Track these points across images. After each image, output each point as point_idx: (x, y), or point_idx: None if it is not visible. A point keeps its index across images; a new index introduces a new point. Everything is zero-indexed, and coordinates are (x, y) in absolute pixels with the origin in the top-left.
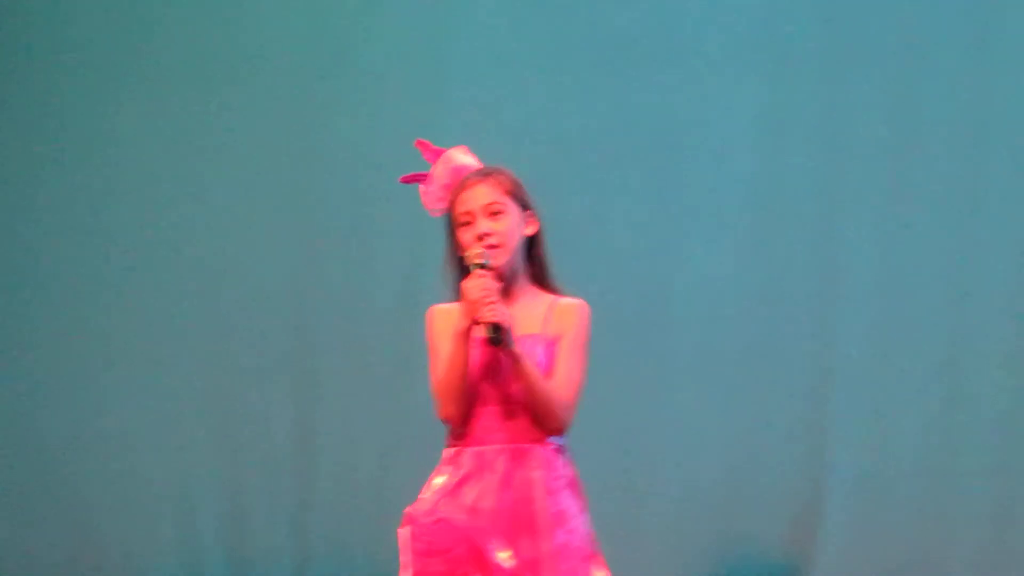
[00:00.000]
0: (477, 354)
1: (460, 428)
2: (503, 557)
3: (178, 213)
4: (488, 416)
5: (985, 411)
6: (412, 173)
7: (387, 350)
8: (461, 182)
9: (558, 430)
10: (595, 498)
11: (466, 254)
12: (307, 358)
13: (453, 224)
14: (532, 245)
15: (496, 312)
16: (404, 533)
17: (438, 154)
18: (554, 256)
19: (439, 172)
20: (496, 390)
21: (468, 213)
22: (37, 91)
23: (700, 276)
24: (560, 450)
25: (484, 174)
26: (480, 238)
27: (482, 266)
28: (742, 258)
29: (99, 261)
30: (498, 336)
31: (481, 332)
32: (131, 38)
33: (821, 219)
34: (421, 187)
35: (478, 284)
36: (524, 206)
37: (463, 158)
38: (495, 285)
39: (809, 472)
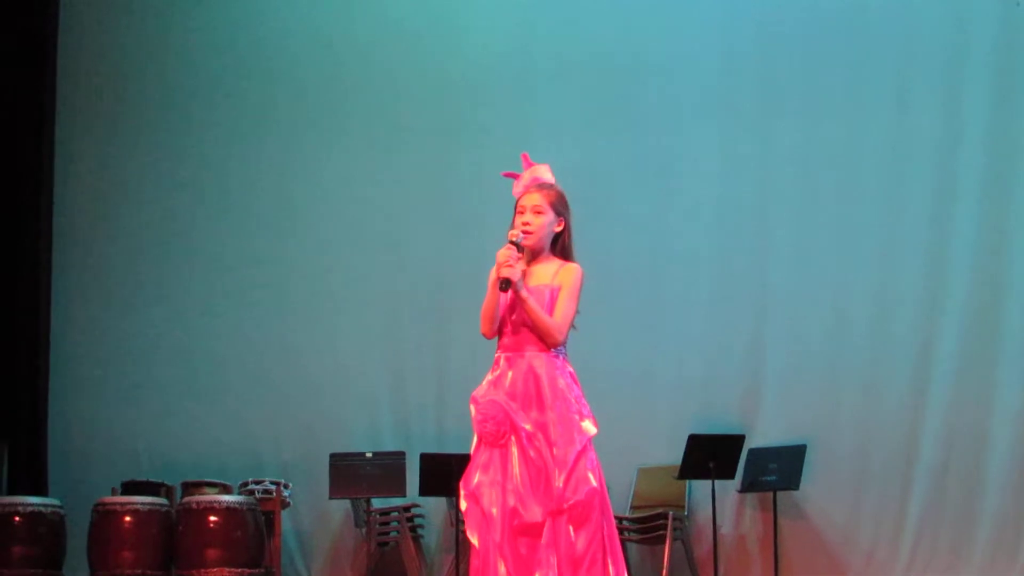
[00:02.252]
0: (505, 296)
1: (499, 341)
2: (526, 423)
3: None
4: (514, 333)
5: (857, 332)
6: (511, 171)
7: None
8: (531, 185)
9: (553, 344)
10: (625, 381)
11: (509, 231)
12: (443, 308)
13: (515, 210)
14: (559, 238)
15: (510, 271)
16: (471, 408)
17: (531, 165)
18: (599, 238)
19: (526, 175)
20: (519, 318)
21: (522, 207)
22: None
23: (680, 249)
24: (558, 355)
25: (543, 186)
26: (523, 224)
27: (513, 242)
28: (704, 237)
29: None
30: (506, 285)
31: (499, 282)
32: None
33: (757, 213)
34: (514, 181)
35: (504, 253)
36: (558, 213)
37: (544, 172)
38: (516, 254)
39: (753, 368)
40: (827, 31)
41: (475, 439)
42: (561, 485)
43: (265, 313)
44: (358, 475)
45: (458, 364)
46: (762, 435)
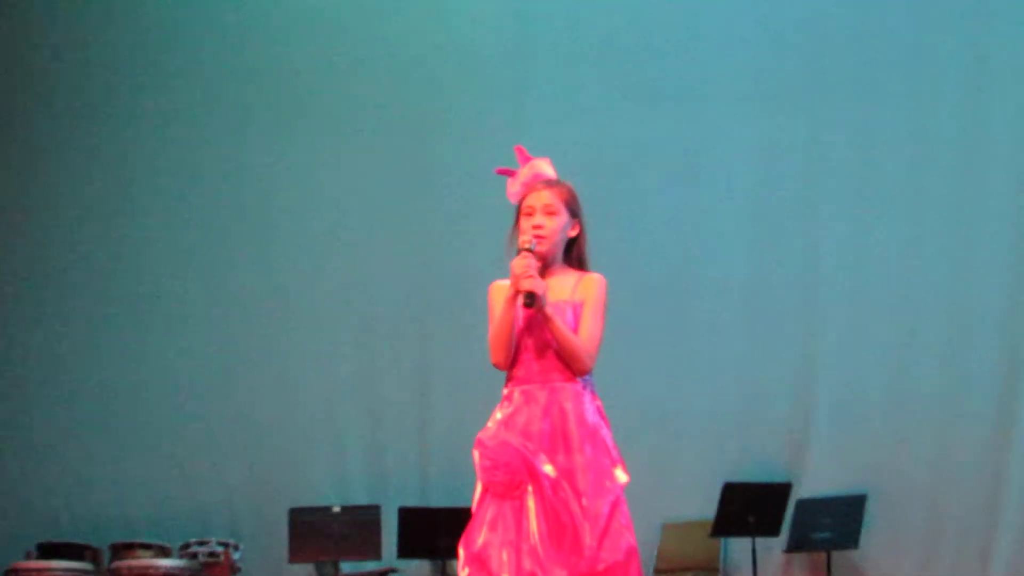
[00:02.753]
0: (522, 315)
1: (511, 372)
2: (548, 469)
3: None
4: (529, 361)
5: (927, 357)
6: (505, 168)
7: (486, 319)
8: (535, 184)
9: (582, 371)
10: (648, 422)
11: (521, 238)
12: (428, 327)
13: (519, 213)
14: (575, 242)
15: (533, 283)
16: (476, 454)
17: (528, 159)
18: (613, 248)
19: (524, 172)
20: (536, 342)
21: (531, 207)
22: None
23: (713, 262)
24: (586, 386)
25: (551, 183)
26: (535, 228)
27: (529, 249)
28: (743, 249)
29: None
30: (531, 301)
31: (521, 298)
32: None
33: (802, 216)
34: (508, 180)
35: (521, 262)
36: (573, 214)
37: (543, 167)
38: (535, 263)
39: (800, 402)
40: (886, 6)
41: (479, 490)
42: (594, 544)
43: (205, 344)
44: (324, 534)
45: (443, 400)
46: (812, 484)
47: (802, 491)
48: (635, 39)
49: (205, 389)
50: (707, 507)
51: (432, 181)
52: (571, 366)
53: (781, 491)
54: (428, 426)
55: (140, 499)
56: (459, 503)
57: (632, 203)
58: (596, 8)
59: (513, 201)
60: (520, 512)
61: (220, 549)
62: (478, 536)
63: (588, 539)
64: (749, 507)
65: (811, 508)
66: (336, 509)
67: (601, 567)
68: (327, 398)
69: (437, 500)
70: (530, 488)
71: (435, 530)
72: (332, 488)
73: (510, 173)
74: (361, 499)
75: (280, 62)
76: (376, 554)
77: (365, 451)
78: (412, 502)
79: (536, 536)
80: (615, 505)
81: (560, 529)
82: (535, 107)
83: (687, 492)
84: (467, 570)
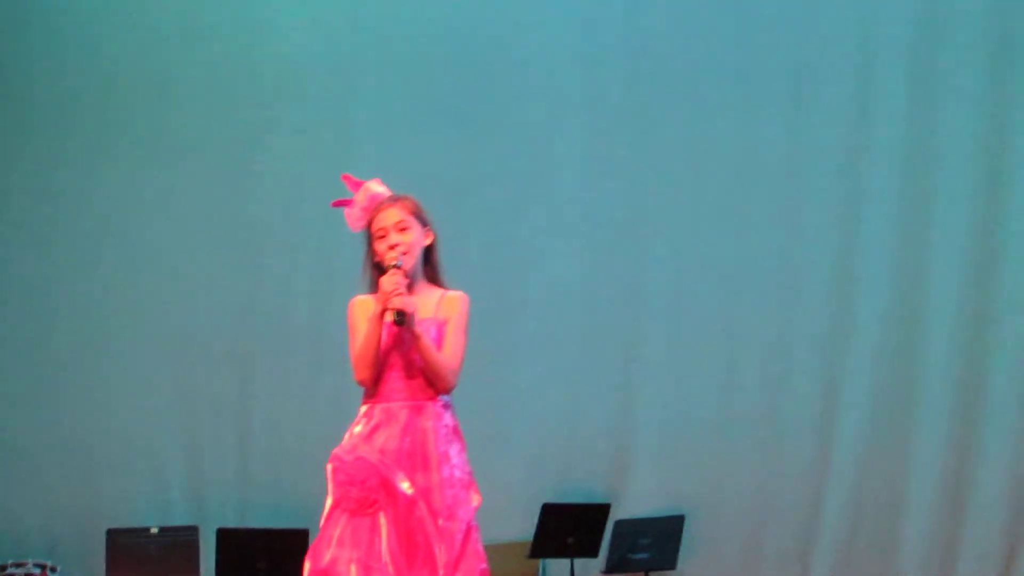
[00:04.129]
0: (386, 332)
1: (372, 389)
2: (405, 487)
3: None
4: (393, 379)
5: (748, 379)
6: (340, 199)
7: (306, 337)
8: (377, 205)
9: (446, 389)
10: (470, 442)
11: (385, 257)
12: (247, 347)
13: (371, 237)
14: (429, 252)
15: (403, 301)
16: (329, 468)
17: (359, 184)
18: (444, 263)
19: (360, 198)
20: (400, 359)
21: (382, 228)
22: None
23: (540, 281)
24: (447, 406)
25: (394, 199)
26: (392, 247)
27: (396, 266)
28: (568, 268)
29: (104, 286)
30: (402, 319)
31: (390, 316)
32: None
33: (628, 233)
34: (346, 210)
35: (391, 280)
36: (424, 223)
37: (377, 188)
38: (404, 281)
39: (621, 424)
40: (712, 12)
41: (328, 506)
42: (449, 565)
43: (17, 356)
44: (142, 555)
45: (263, 421)
46: (632, 504)
47: (621, 512)
48: (460, 52)
49: (24, 409)
50: (526, 528)
51: (251, 195)
52: (435, 384)
53: (600, 512)
54: (247, 447)
55: None
56: (278, 524)
57: (458, 222)
58: (420, 19)
59: (356, 228)
60: (372, 530)
61: (37, 571)
62: (325, 552)
63: (443, 560)
64: (568, 528)
65: (629, 529)
66: (154, 530)
67: None
68: (146, 420)
69: (256, 522)
70: (383, 506)
71: (254, 551)
72: (150, 509)
73: (346, 203)
74: (180, 520)
75: (98, 79)
76: (194, 575)
77: (183, 472)
78: (231, 523)
79: (387, 555)
80: (470, 528)
81: (413, 548)
82: (358, 119)
83: (506, 513)
84: None
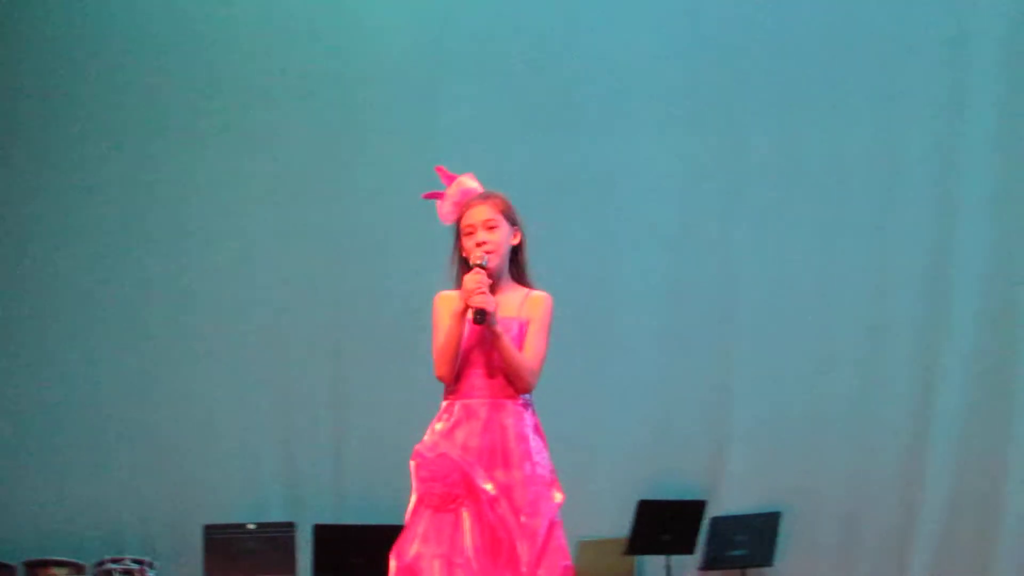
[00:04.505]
0: (468, 329)
1: (452, 386)
2: (489, 487)
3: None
4: (474, 376)
5: (844, 376)
6: (432, 192)
7: (401, 332)
8: (467, 201)
9: (525, 389)
10: (566, 439)
11: (471, 255)
12: (342, 344)
13: (459, 233)
14: (516, 252)
15: (484, 299)
16: (412, 464)
17: (452, 179)
18: (531, 264)
19: (452, 192)
20: (481, 357)
21: (471, 225)
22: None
23: (633, 279)
24: (527, 404)
25: (485, 196)
26: (479, 244)
27: (481, 266)
28: (661, 266)
29: (203, 283)
30: (482, 317)
31: (470, 314)
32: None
33: (721, 234)
34: (437, 202)
35: (474, 278)
36: (512, 223)
37: (470, 183)
38: (487, 280)
39: (716, 420)
40: (807, 18)
41: (412, 502)
42: (532, 562)
43: (116, 355)
44: (238, 551)
45: (359, 415)
46: (728, 501)
47: (717, 509)
48: (551, 55)
49: (119, 405)
50: (622, 525)
51: (344, 196)
52: (514, 384)
53: (696, 508)
54: (343, 443)
55: (54, 516)
56: (373, 520)
57: (550, 225)
58: (513, 27)
59: (446, 222)
60: (455, 526)
61: (135, 567)
62: (410, 547)
63: (525, 557)
64: (664, 525)
65: (726, 526)
66: (251, 527)
67: None
68: (243, 416)
69: (352, 517)
70: (466, 502)
71: (349, 547)
72: (247, 506)
73: (438, 196)
74: (276, 516)
75: (195, 76)
76: (291, 571)
77: (281, 469)
78: (327, 519)
79: (471, 550)
80: (552, 524)
81: (496, 545)
82: (447, 122)
83: (602, 510)
84: None
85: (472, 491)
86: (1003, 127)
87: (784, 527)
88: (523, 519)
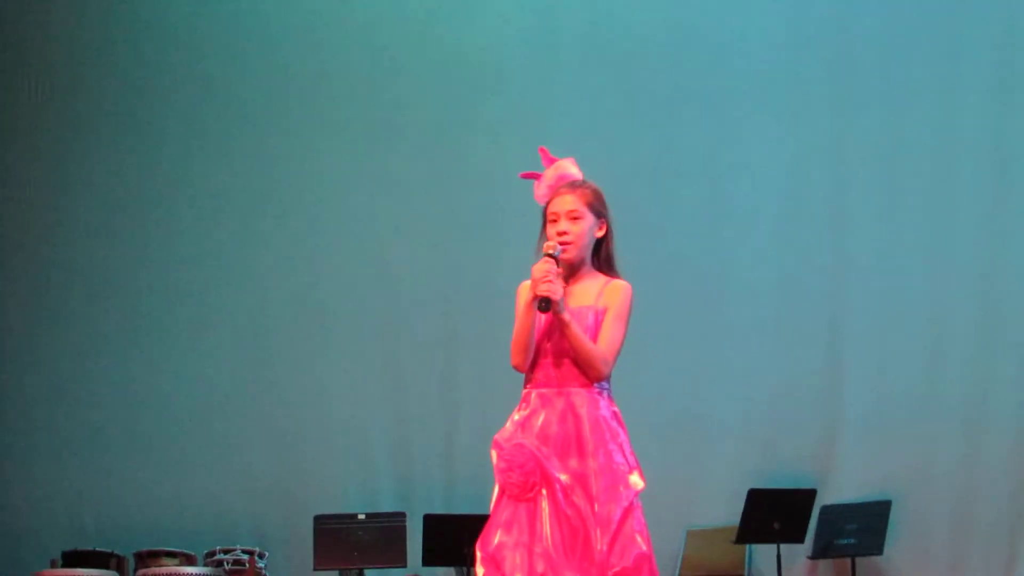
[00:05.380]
0: (544, 319)
1: (529, 375)
2: (564, 478)
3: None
4: (547, 366)
5: (955, 360)
6: (530, 172)
7: (510, 321)
8: (557, 188)
9: (597, 378)
10: (676, 427)
11: (545, 245)
12: (453, 333)
13: (545, 219)
14: (602, 243)
15: (549, 288)
16: (493, 454)
17: (552, 161)
18: (639, 252)
19: (549, 175)
20: (553, 346)
21: (555, 213)
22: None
23: (739, 266)
24: (602, 392)
25: (574, 186)
26: (560, 234)
27: (551, 256)
28: (770, 253)
29: (317, 272)
30: (547, 305)
31: (537, 302)
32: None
33: (830, 219)
34: (535, 183)
35: (542, 267)
36: (598, 215)
37: (569, 168)
38: (555, 269)
39: (826, 408)
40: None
41: (496, 492)
42: (604, 549)
43: (230, 346)
44: (349, 541)
45: (470, 405)
46: (838, 490)
47: (827, 497)
48: (661, 42)
49: (231, 396)
50: (732, 513)
51: (457, 186)
52: (585, 372)
53: (806, 497)
54: (454, 433)
55: (166, 507)
56: (484, 510)
57: (659, 209)
58: (621, 10)
59: (540, 203)
60: (534, 514)
61: (245, 557)
62: (493, 537)
63: (599, 544)
64: (774, 513)
65: (836, 514)
66: (361, 516)
67: (610, 573)
68: (353, 406)
69: (462, 507)
70: (544, 491)
71: (460, 537)
72: (358, 496)
73: (536, 176)
74: (387, 507)
75: (313, 65)
76: (401, 561)
77: (391, 459)
78: (437, 509)
79: (549, 539)
80: (628, 511)
81: (572, 533)
82: (559, 109)
83: (712, 498)
84: (483, 570)
85: (548, 480)
86: None
87: (894, 516)
88: (597, 507)
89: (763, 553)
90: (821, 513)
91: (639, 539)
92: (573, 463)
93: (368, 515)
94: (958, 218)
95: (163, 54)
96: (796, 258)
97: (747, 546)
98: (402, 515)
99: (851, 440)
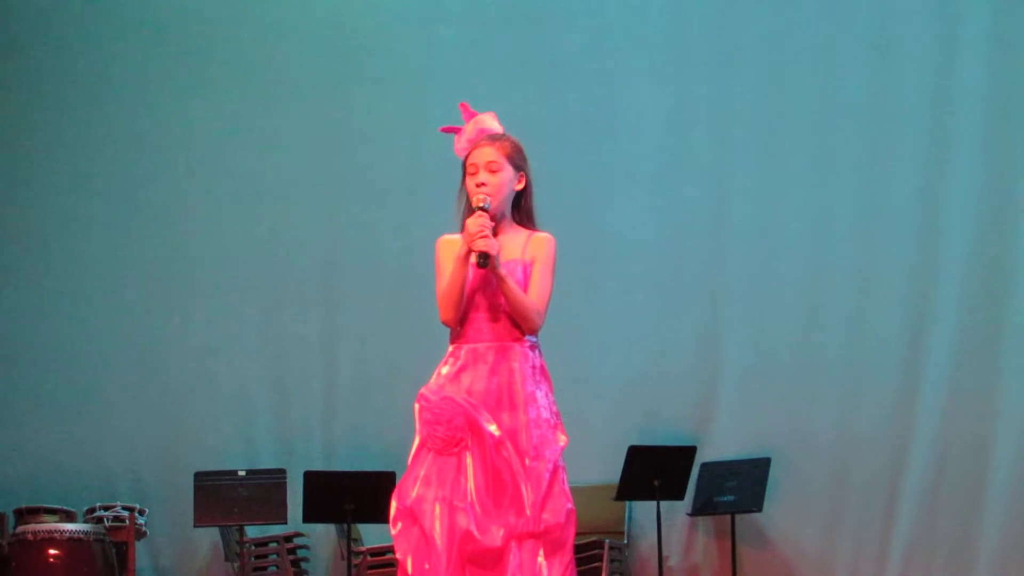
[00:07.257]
0: (472, 273)
1: (458, 329)
2: (492, 428)
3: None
4: (479, 320)
5: (833, 321)
6: (450, 126)
7: (392, 279)
8: (477, 141)
9: (532, 330)
10: (557, 385)
11: (473, 198)
12: (333, 291)
13: (464, 172)
14: (521, 197)
15: (487, 243)
16: (416, 407)
17: (473, 115)
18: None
19: (469, 128)
20: (486, 300)
21: (473, 165)
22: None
23: (618, 225)
24: (534, 346)
25: (493, 139)
26: (479, 186)
27: (483, 208)
28: (649, 213)
29: (193, 237)
30: (485, 261)
31: (474, 257)
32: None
33: (710, 179)
34: (455, 136)
35: (476, 222)
36: (518, 168)
37: (489, 121)
38: (490, 223)
39: (706, 366)
40: None
41: (415, 445)
42: (536, 504)
43: (109, 303)
44: (229, 498)
45: (349, 365)
46: (718, 447)
47: (707, 455)
48: (539, 5)
49: (110, 354)
50: (612, 471)
51: (337, 143)
52: (521, 325)
53: (686, 455)
54: (334, 391)
55: (45, 464)
56: (364, 467)
57: (536, 167)
58: None
59: (460, 156)
60: (458, 469)
61: (125, 513)
62: (411, 489)
63: (529, 499)
64: (654, 470)
65: (715, 471)
66: (241, 473)
67: (541, 528)
68: (234, 364)
69: (342, 464)
70: (469, 445)
71: (340, 494)
72: (239, 453)
73: (455, 130)
74: (267, 464)
75: (194, 25)
76: (281, 518)
77: (272, 417)
78: (317, 466)
79: (473, 494)
80: (557, 467)
81: (500, 488)
82: (438, 66)
83: (592, 456)
84: (400, 524)
85: (477, 434)
86: (995, 69)
87: (773, 473)
88: (528, 462)
89: (643, 510)
90: (701, 470)
91: (567, 496)
92: (504, 417)
93: (248, 472)
94: (837, 179)
95: (39, 14)
96: (675, 217)
97: (627, 503)
98: (282, 472)
99: (731, 398)
